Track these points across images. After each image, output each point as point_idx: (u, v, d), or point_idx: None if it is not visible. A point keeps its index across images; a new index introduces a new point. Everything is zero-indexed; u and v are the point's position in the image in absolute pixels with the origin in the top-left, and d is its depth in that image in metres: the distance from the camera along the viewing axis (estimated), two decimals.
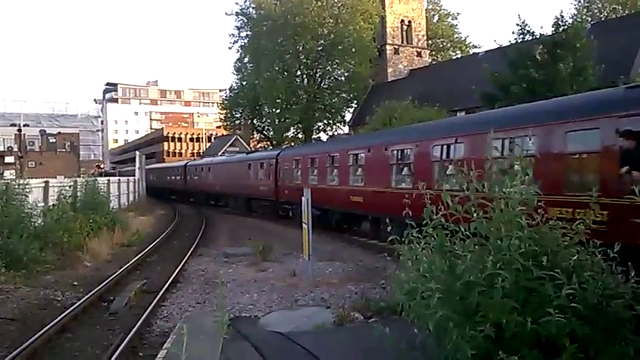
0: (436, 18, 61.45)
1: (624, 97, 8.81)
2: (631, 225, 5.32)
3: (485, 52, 40.18)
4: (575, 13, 40.05)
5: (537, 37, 23.21)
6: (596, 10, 44.18)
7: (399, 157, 15.38)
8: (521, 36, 23.86)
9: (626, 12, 41.38)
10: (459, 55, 57.97)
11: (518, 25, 23.89)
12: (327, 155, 20.18)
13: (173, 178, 48.68)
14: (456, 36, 62.52)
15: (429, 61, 54.14)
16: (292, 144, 45.74)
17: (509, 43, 25.70)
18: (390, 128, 26.03)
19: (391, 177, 15.44)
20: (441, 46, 62.16)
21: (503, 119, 11.61)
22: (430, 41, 56.93)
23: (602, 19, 40.94)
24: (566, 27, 22.51)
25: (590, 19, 39.50)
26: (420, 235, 5.41)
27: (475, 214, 4.93)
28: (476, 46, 59.74)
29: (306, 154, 23.00)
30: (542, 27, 47.70)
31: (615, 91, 9.89)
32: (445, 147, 13.04)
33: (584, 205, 6.86)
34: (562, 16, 23.08)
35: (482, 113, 14.57)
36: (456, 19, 63.82)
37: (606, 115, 8.49)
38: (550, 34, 22.65)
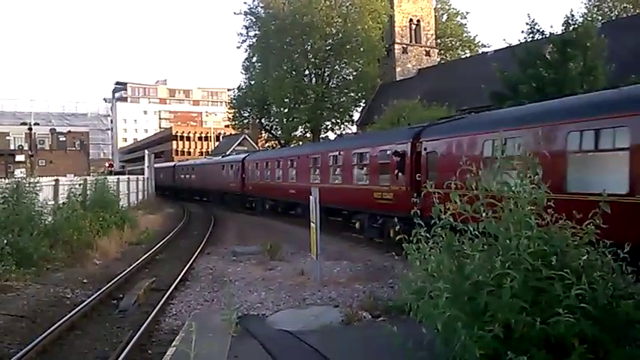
0: (445, 17, 61.16)
1: None
2: None
3: (495, 51, 39.95)
4: (586, 12, 39.69)
5: (547, 36, 23.02)
6: (606, 9, 43.80)
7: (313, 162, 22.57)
8: (531, 35, 23.69)
9: (637, 11, 41.00)
10: (468, 55, 57.67)
11: (527, 24, 23.73)
12: (276, 160, 28.03)
13: (164, 176, 54.27)
14: (465, 35, 62.18)
15: (438, 60, 53.90)
16: (300, 143, 45.83)
17: (518, 42, 25.54)
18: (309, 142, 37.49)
19: (309, 175, 22.46)
20: (449, 45, 61.86)
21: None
22: (439, 40, 56.69)
23: (613, 17, 40.58)
24: (576, 26, 22.32)
25: (600, 17, 39.15)
26: (428, 235, 5.41)
27: (484, 214, 4.91)
28: (485, 45, 59.44)
29: (263, 159, 30.74)
30: (552, 26, 47.23)
31: None
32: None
33: None
34: (572, 15, 22.88)
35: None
36: (465, 18, 63.48)
37: None
38: (560, 33, 22.47)
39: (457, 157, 10.53)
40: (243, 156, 35.68)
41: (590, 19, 26.66)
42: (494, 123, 11.89)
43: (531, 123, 10.27)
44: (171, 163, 60.91)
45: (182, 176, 51.13)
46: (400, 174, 14.86)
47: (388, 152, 15.85)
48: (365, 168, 17.77)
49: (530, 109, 12.40)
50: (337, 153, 19.97)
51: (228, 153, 52.56)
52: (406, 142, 15.05)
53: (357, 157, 18.36)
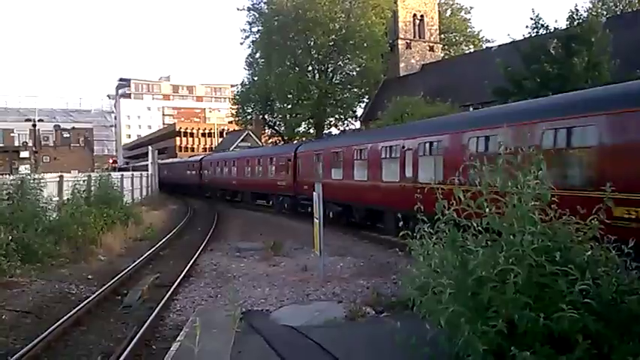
0: (449, 12, 60.91)
1: None
2: None
3: (499, 46, 39.77)
4: (591, 6, 39.43)
5: (552, 31, 22.89)
6: (611, 4, 43.46)
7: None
8: (535, 30, 23.56)
9: None
10: (472, 50, 57.42)
11: (532, 19, 23.59)
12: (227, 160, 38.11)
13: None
14: (468, 30, 61.89)
15: (442, 55, 53.70)
16: (303, 139, 45.81)
17: (522, 38, 25.41)
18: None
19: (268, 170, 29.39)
20: (453, 40, 61.61)
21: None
22: (443, 36, 56.46)
23: (618, 12, 40.33)
24: (581, 21, 22.19)
25: (605, 12, 38.90)
26: (431, 231, 5.40)
27: (487, 210, 4.91)
28: (489, 41, 59.11)
29: (216, 159, 40.47)
30: (556, 21, 47.08)
31: None
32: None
33: None
34: (577, 10, 22.76)
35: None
36: (469, 13, 63.16)
37: None
38: (565, 28, 22.35)
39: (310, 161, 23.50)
40: (200, 157, 41.55)
41: (594, 14, 26.43)
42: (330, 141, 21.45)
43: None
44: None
45: (165, 172, 49.39)
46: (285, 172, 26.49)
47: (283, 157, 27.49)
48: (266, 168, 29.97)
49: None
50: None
51: (231, 149, 52.64)
52: (290, 152, 26.65)
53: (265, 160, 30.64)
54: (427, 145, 14.39)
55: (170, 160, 60.37)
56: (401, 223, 9.21)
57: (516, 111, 12.42)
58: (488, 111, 15.43)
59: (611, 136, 8.76)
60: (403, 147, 15.51)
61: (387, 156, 16.60)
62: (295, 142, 37.06)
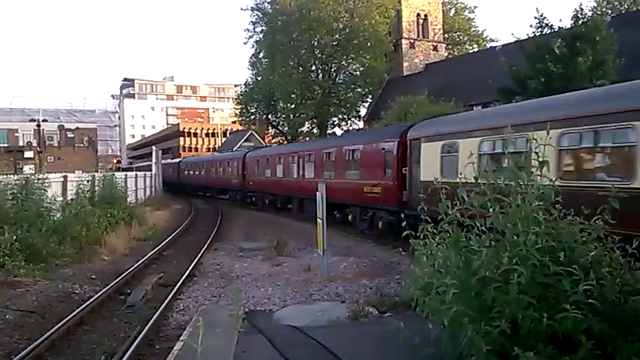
0: (453, 11, 60.81)
1: None
2: None
3: (503, 45, 39.68)
4: (595, 5, 39.34)
5: (556, 30, 22.83)
6: (616, 3, 43.29)
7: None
8: (540, 29, 23.50)
9: None
10: (476, 49, 57.33)
11: (536, 18, 23.53)
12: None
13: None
14: (472, 30, 61.78)
15: (446, 55, 53.63)
16: (307, 139, 45.83)
17: (527, 37, 25.34)
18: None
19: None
20: (457, 39, 61.51)
21: None
22: (446, 35, 56.38)
23: (622, 11, 40.19)
24: (585, 20, 22.12)
25: (609, 11, 38.77)
26: (435, 231, 5.39)
27: (491, 209, 4.89)
28: (493, 40, 58.99)
29: (192, 162, 50.02)
30: (560, 20, 47.08)
31: None
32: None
33: None
34: (581, 9, 22.70)
35: None
36: (473, 12, 63.01)
37: None
38: (569, 27, 22.29)
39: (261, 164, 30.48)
40: (179, 160, 49.33)
41: (599, 13, 26.40)
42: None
43: None
44: (176, 160, 57.95)
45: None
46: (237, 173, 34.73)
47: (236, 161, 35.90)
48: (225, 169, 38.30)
49: None
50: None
51: (235, 149, 52.73)
52: (239, 159, 35.12)
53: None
54: (308, 153, 24.10)
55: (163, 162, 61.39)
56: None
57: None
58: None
59: None
60: (299, 155, 25.20)
61: (294, 162, 25.43)
62: (246, 149, 42.11)
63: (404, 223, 5.98)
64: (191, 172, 49.37)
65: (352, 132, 38.95)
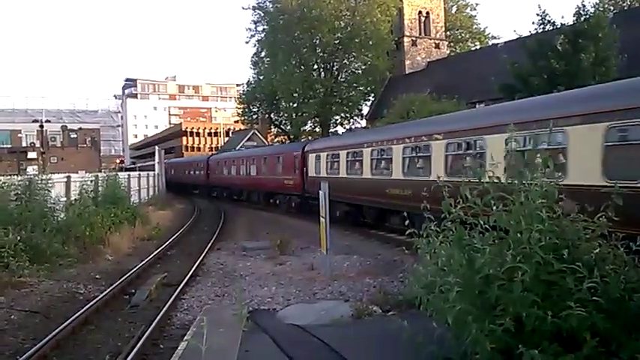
0: (454, 9, 60.72)
1: None
2: None
3: (505, 42, 39.62)
4: (597, 2, 39.20)
5: (558, 27, 22.77)
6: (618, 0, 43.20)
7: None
8: (542, 26, 23.44)
9: None
10: (478, 47, 57.23)
11: (538, 14, 23.49)
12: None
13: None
14: (474, 27, 61.67)
15: (448, 52, 53.53)
16: (310, 138, 45.85)
17: (529, 34, 25.28)
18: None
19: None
20: (459, 37, 61.41)
21: None
22: (448, 32, 56.28)
23: (625, 7, 40.04)
24: (587, 16, 22.05)
25: (612, 8, 38.63)
26: (438, 229, 5.38)
27: (494, 207, 4.88)
28: (495, 37, 58.93)
29: (174, 164, 55.78)
30: (563, 17, 46.74)
31: None
32: None
33: None
34: (584, 6, 22.63)
35: None
36: (475, 9, 62.97)
37: None
38: (571, 23, 22.23)
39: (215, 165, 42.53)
40: (208, 156, 48.58)
41: (601, 9, 26.26)
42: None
43: None
44: (204, 156, 52.18)
45: (171, 172, 52.35)
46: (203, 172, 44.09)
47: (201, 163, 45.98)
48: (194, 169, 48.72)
49: None
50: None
51: (238, 148, 52.78)
52: (204, 160, 45.71)
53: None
54: (252, 158, 33.53)
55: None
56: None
57: None
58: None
59: None
60: (246, 159, 34.94)
61: (243, 164, 34.84)
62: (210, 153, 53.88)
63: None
64: (173, 172, 54.78)
65: (278, 144, 48.91)
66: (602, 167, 8.60)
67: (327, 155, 21.67)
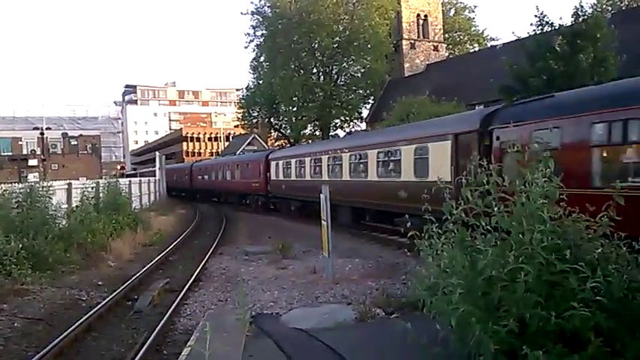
0: (452, 11, 60.87)
1: None
2: None
3: (503, 44, 39.68)
4: (595, 2, 39.28)
5: (556, 28, 22.79)
6: (616, 0, 43.30)
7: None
8: (540, 27, 23.44)
9: None
10: (477, 49, 57.31)
11: (536, 16, 23.50)
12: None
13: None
14: (473, 29, 61.82)
15: (446, 55, 53.63)
16: (310, 141, 45.91)
17: (527, 35, 25.31)
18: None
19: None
20: (458, 39, 61.54)
21: None
22: (447, 35, 56.40)
23: (623, 8, 40.12)
24: (586, 17, 22.08)
25: (610, 8, 38.72)
26: (440, 231, 5.39)
27: (496, 209, 4.89)
28: (494, 39, 59.07)
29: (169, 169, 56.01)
30: (561, 18, 46.77)
31: None
32: None
33: None
34: (582, 6, 22.67)
35: None
36: (473, 12, 63.24)
37: None
38: (569, 24, 22.25)
39: (198, 171, 49.06)
40: (191, 164, 52.44)
41: (599, 10, 26.34)
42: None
43: None
44: (188, 164, 57.82)
45: (202, 175, 49.49)
46: (187, 177, 51.55)
47: (186, 170, 54.13)
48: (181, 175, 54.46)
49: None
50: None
51: (238, 153, 52.86)
52: (188, 168, 53.84)
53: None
54: (227, 165, 39.74)
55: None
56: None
57: None
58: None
59: None
60: (222, 166, 40.83)
61: (220, 170, 40.79)
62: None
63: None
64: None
65: (249, 152, 51.24)
66: (414, 170, 15.04)
67: (284, 163, 27.45)
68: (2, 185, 14.64)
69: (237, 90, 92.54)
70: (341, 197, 11.26)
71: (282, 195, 27.74)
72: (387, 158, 17.01)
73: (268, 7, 48.42)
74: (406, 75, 49.30)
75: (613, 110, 8.63)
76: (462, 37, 61.94)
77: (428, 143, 14.40)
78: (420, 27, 51.04)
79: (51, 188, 15.40)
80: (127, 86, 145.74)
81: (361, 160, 18.70)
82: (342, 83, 49.42)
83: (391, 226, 16.57)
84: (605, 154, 9.01)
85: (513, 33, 43.59)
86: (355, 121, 50.63)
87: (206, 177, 44.86)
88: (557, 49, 21.72)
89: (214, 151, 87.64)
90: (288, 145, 47.65)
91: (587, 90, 11.64)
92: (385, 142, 17.56)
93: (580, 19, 22.00)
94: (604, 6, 39.14)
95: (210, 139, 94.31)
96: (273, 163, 28.89)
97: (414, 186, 14.24)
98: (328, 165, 21.56)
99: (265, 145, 59.13)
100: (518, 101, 14.27)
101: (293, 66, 46.89)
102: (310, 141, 47.16)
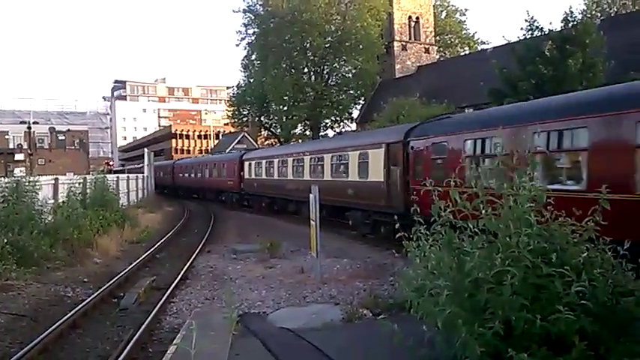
0: (444, 14, 61.10)
1: None
2: None
3: (494, 48, 39.92)
4: (585, 8, 39.67)
5: (546, 33, 23.00)
6: (605, 6, 43.74)
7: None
8: (530, 32, 23.64)
9: (636, 7, 40.97)
10: (467, 52, 57.63)
11: (526, 20, 23.68)
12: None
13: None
14: (463, 32, 62.13)
15: (437, 57, 53.86)
16: (300, 141, 45.90)
17: (517, 40, 25.50)
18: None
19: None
20: (448, 42, 61.81)
21: None
22: (438, 37, 56.62)
23: (612, 14, 40.56)
24: (575, 23, 22.30)
25: (599, 14, 39.12)
26: (428, 232, 5.41)
27: (484, 211, 4.92)
28: (484, 42, 59.35)
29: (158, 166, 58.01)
30: (551, 23, 47.27)
31: None
32: None
33: None
34: (571, 12, 22.88)
35: None
36: (464, 15, 63.49)
37: None
38: (559, 29, 22.46)
39: (183, 169, 50.23)
40: (173, 161, 54.15)
41: (588, 16, 26.59)
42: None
43: None
44: (171, 161, 59.09)
45: (184, 173, 50.42)
46: (169, 175, 53.21)
47: (169, 167, 55.52)
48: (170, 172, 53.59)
49: None
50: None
51: (227, 151, 52.75)
52: (170, 165, 54.87)
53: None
54: (205, 164, 42.80)
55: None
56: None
57: None
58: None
59: None
60: (202, 165, 43.51)
61: (200, 168, 43.26)
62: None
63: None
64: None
65: (225, 153, 51.77)
66: (358, 171, 17.92)
67: (255, 163, 30.71)
68: None
69: (227, 88, 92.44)
70: (304, 194, 13.33)
71: (253, 192, 30.91)
72: (338, 161, 19.90)
73: (260, 5, 48.36)
74: (397, 76, 49.44)
75: (477, 130, 11.89)
76: (452, 40, 62.23)
77: (368, 150, 17.40)
78: (412, 29, 51.20)
79: (37, 183, 15.25)
80: (116, 82, 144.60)
81: (319, 163, 21.69)
82: (333, 83, 49.47)
83: (340, 219, 20.02)
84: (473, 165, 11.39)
85: (504, 37, 44.09)
86: (346, 121, 50.73)
87: (187, 175, 47.33)
88: (547, 53, 21.90)
89: (204, 148, 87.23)
90: (278, 145, 47.81)
91: (466, 115, 19.20)
92: (337, 147, 20.60)
93: (569, 25, 22.21)
94: (593, 12, 39.54)
95: (199, 136, 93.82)
96: (246, 164, 32.04)
97: (358, 185, 17.76)
98: (293, 166, 24.60)
99: (255, 143, 58.98)
100: (430, 120, 17.17)
101: (284, 65, 46.85)
102: (300, 140, 47.18)
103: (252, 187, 30.91)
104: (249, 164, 31.57)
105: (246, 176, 31.80)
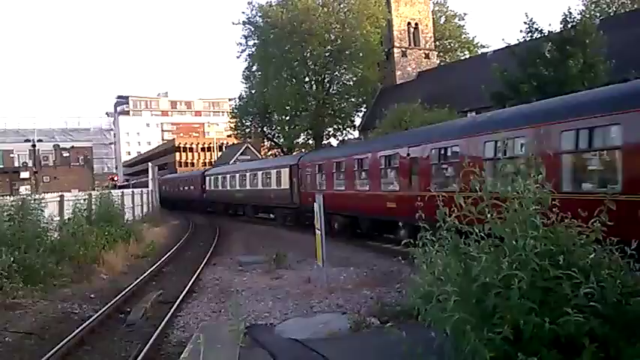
0: (443, 19, 61.19)
1: None
2: None
3: (494, 51, 39.93)
4: (584, 9, 39.69)
5: (546, 34, 23.01)
6: (604, 5, 43.74)
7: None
8: (530, 34, 23.67)
9: (635, 6, 40.94)
10: (468, 56, 57.64)
11: (526, 23, 23.72)
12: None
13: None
14: (463, 36, 62.16)
15: (438, 62, 53.90)
16: (303, 150, 45.95)
17: (517, 42, 25.52)
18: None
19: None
20: (448, 47, 61.87)
21: None
22: (438, 43, 56.70)
23: (611, 14, 40.54)
24: (574, 23, 22.30)
25: (598, 14, 39.11)
26: (434, 238, 5.38)
27: (489, 215, 4.89)
28: (484, 46, 59.31)
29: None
30: (550, 24, 47.27)
31: None
32: None
33: None
34: (570, 13, 22.90)
35: None
36: (463, 19, 63.50)
37: None
38: (559, 31, 22.46)
39: (168, 183, 58.94)
40: (204, 170, 52.36)
41: (587, 16, 26.58)
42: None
43: None
44: (199, 171, 56.44)
45: (168, 188, 54.15)
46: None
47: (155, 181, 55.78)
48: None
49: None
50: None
51: (231, 162, 52.84)
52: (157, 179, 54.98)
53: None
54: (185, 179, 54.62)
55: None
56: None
57: None
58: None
59: None
60: (178, 180, 57.19)
61: (178, 183, 55.87)
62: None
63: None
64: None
65: (194, 170, 62.88)
66: (276, 183, 28.60)
67: (214, 178, 42.15)
68: None
69: (229, 100, 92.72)
70: (247, 200, 28.46)
71: (213, 200, 42.12)
72: (265, 176, 30.41)
73: (260, 17, 48.52)
74: (398, 83, 49.48)
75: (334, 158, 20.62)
76: (452, 45, 62.27)
77: (281, 169, 27.91)
78: (411, 35, 51.32)
79: (43, 201, 15.29)
80: (119, 97, 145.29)
81: (255, 177, 32.28)
82: (334, 92, 49.55)
83: (267, 215, 32.15)
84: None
85: (503, 40, 44.07)
86: (348, 129, 50.78)
87: (167, 188, 55.31)
88: (547, 55, 21.89)
89: (207, 161, 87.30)
90: (282, 154, 47.94)
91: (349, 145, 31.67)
92: (265, 167, 31.97)
93: (569, 26, 22.21)
94: (592, 12, 39.54)
95: (203, 149, 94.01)
96: (207, 178, 43.84)
97: (277, 191, 28.02)
98: (239, 180, 35.40)
99: (259, 154, 59.07)
100: (311, 151, 27.03)
101: (285, 75, 46.98)
102: (304, 150, 47.28)
103: (212, 196, 42.77)
104: (209, 179, 43.61)
105: (207, 188, 44.26)
